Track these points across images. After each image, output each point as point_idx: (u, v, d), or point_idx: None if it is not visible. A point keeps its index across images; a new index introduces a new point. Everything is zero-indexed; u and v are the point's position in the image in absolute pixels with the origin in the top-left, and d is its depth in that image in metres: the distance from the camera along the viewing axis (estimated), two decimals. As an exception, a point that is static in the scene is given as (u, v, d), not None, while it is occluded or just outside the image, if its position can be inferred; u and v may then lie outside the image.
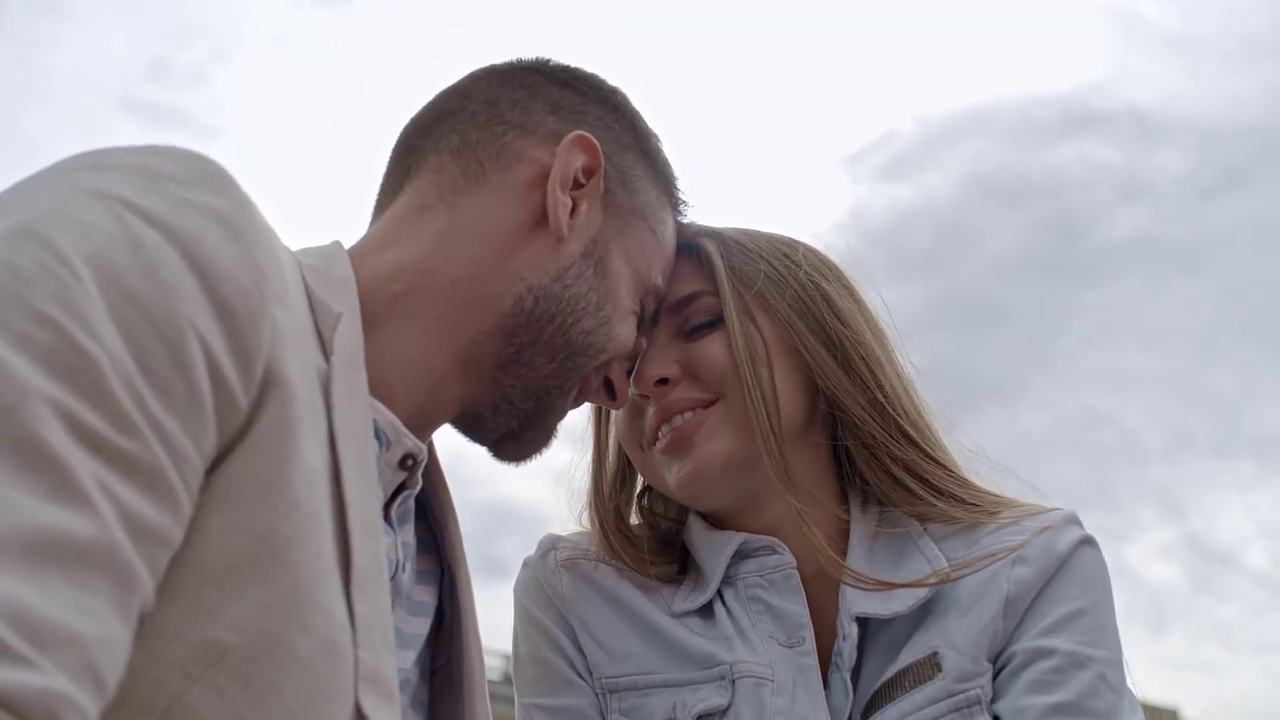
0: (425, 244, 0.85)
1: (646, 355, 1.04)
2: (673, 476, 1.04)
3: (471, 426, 0.92)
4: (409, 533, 0.83)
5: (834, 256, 1.15)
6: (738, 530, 1.08)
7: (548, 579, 1.10)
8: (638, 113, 0.99)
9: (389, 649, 0.66)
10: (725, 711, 0.97)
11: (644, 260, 0.96)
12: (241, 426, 0.59)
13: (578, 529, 1.17)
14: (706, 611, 1.06)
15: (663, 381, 1.03)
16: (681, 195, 1.04)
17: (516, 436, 0.92)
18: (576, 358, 0.89)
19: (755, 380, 1.01)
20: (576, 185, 0.89)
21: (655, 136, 1.00)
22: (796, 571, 1.03)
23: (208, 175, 0.63)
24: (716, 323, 1.05)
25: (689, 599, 1.06)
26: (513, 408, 0.89)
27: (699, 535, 1.10)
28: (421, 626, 0.85)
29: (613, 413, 1.14)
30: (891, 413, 1.04)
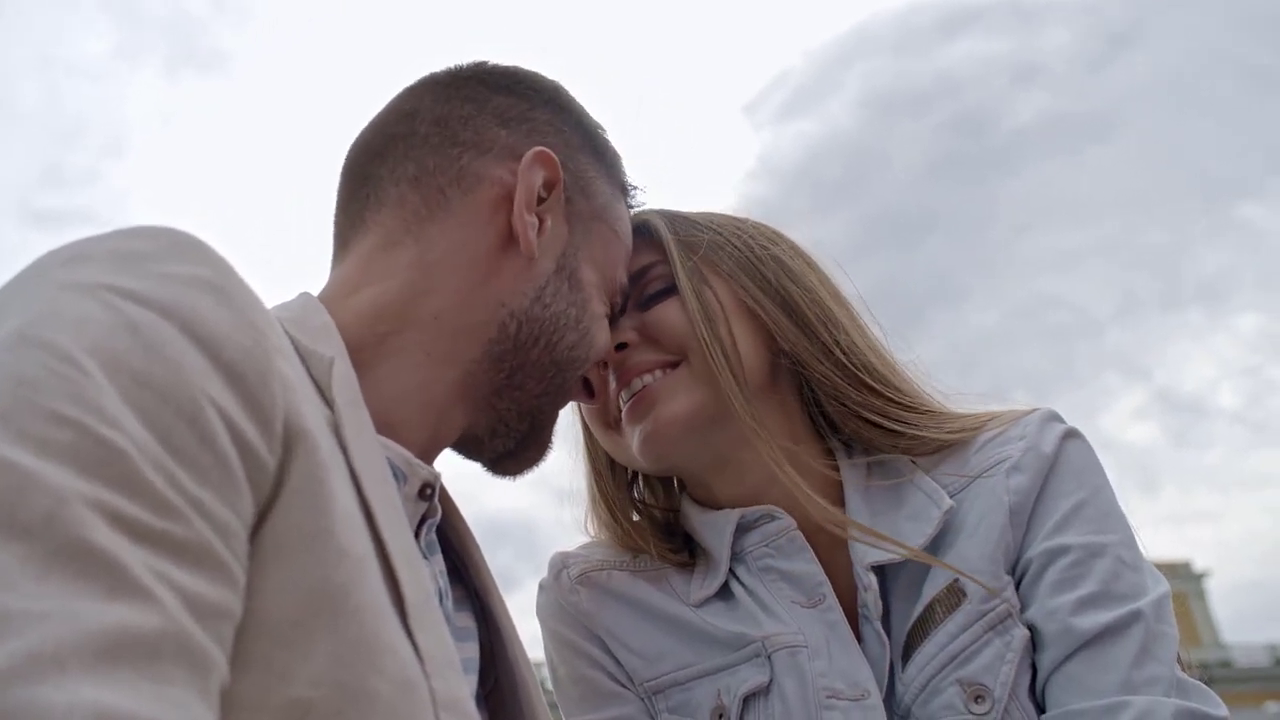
0: (399, 280, 0.84)
1: None
2: (635, 441, 1.04)
3: (469, 449, 0.92)
4: (439, 562, 0.83)
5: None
6: (726, 502, 1.08)
7: (567, 599, 1.10)
8: (582, 107, 0.99)
9: (458, 674, 0.65)
10: (769, 687, 0.97)
11: (609, 261, 0.96)
12: (274, 484, 0.58)
13: (581, 538, 1.17)
14: (725, 593, 1.06)
15: (621, 347, 1.04)
16: (630, 182, 1.03)
17: (514, 455, 0.93)
18: (564, 373, 0.90)
19: (714, 336, 1.01)
20: (539, 200, 0.89)
21: (600, 127, 1.00)
22: (800, 532, 1.04)
23: (180, 246, 0.62)
24: (670, 289, 1.06)
25: (705, 584, 1.07)
26: (509, 430, 0.90)
27: (696, 518, 1.10)
28: (472, 651, 0.85)
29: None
30: (852, 367, 1.05)
